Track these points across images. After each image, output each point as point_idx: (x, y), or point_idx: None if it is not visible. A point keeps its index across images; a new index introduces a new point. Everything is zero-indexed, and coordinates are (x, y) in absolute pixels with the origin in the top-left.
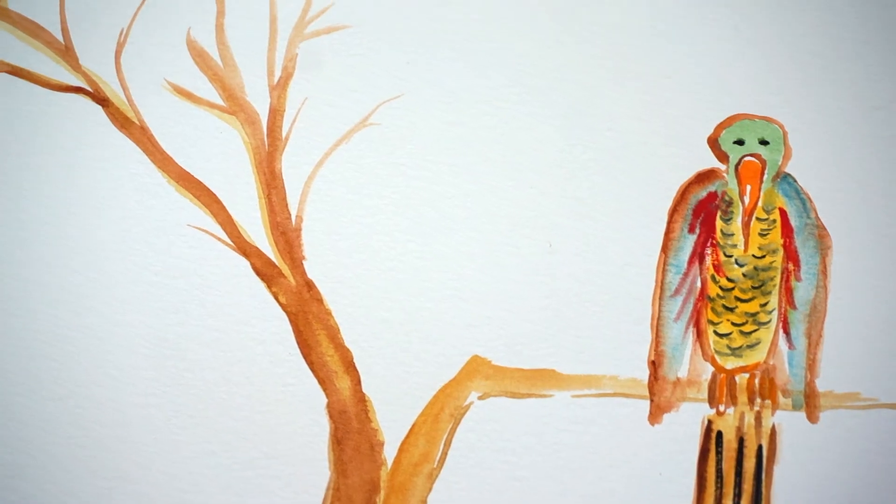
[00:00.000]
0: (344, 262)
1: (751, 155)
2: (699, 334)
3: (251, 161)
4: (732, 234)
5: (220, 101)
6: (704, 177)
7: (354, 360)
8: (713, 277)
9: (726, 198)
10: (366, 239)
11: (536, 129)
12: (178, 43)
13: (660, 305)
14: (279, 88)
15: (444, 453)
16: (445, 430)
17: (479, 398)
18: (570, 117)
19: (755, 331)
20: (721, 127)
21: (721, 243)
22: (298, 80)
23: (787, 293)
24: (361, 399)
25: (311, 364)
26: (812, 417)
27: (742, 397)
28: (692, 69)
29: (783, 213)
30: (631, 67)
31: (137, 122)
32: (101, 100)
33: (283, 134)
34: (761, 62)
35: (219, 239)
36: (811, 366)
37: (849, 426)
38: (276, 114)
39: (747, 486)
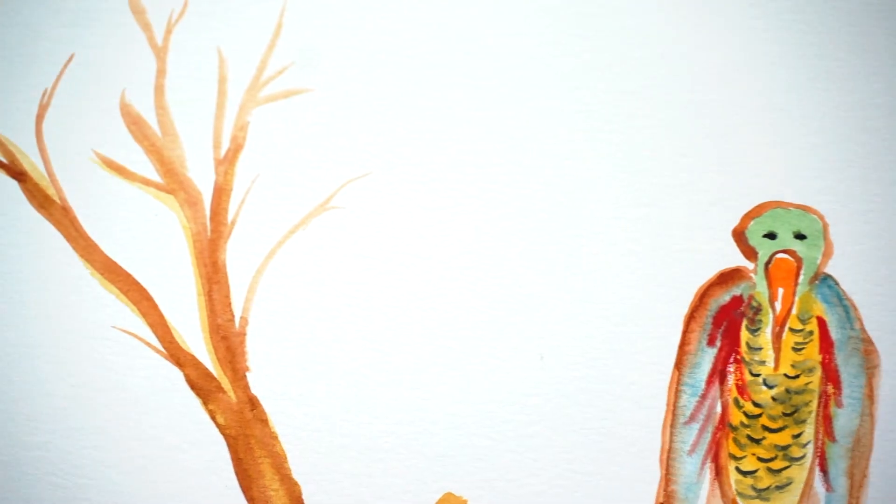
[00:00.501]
0: (295, 374)
1: (784, 251)
2: (718, 471)
3: (190, 250)
4: (760, 349)
5: (156, 178)
6: (728, 277)
7: (303, 497)
8: (736, 401)
9: (754, 303)
10: (322, 347)
11: (529, 216)
12: (110, 107)
13: (671, 435)
14: (226, 163)
15: None
16: None
17: None
18: (570, 202)
19: (786, 468)
20: (749, 217)
21: (747, 359)
22: (249, 154)
23: (826, 422)
24: None
25: (251, 500)
26: None
27: None
28: (715, 147)
29: (822, 323)
30: (641, 144)
31: (59, 202)
32: (18, 173)
33: (229, 218)
34: (799, 140)
35: (148, 344)
36: None
37: None
38: (221, 193)
39: None
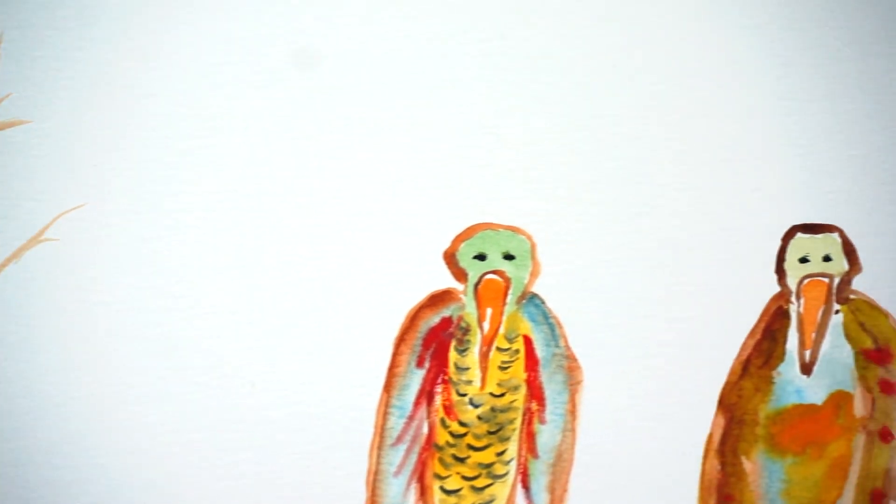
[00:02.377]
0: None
1: (493, 272)
2: (423, 491)
3: None
4: (468, 368)
5: None
6: (438, 299)
7: None
8: (443, 421)
9: (463, 324)
10: (29, 383)
11: (237, 244)
12: None
13: (378, 457)
14: None
15: None
16: None
17: None
18: (276, 228)
19: (489, 486)
20: (459, 239)
21: (454, 379)
22: None
23: (529, 439)
24: None
25: None
26: None
27: None
28: (426, 171)
29: (528, 341)
30: (353, 172)
31: None
32: None
33: None
34: (508, 162)
35: None
36: None
37: None
38: None
39: None
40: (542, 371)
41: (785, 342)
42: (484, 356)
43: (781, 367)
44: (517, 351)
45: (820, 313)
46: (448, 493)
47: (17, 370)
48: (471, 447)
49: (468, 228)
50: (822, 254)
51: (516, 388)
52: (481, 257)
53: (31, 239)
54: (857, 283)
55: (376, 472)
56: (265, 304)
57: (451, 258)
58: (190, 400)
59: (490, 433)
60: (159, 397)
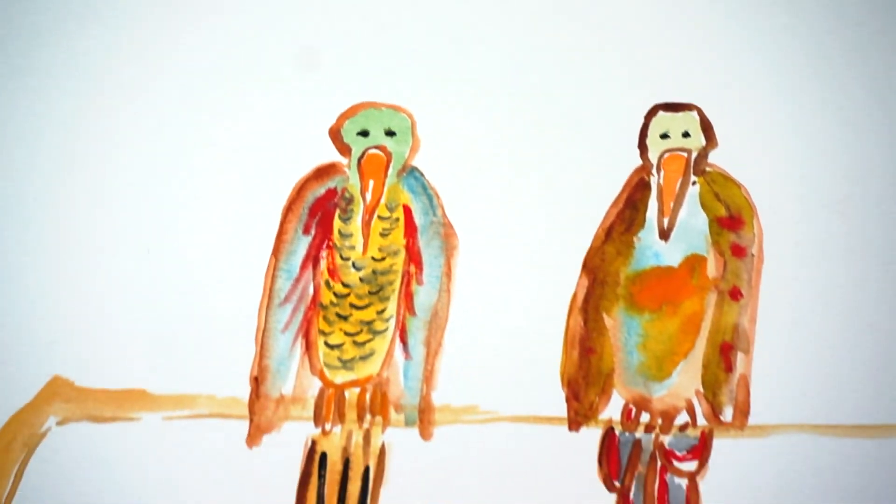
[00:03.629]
0: None
1: (375, 147)
2: (308, 346)
3: None
4: (351, 235)
5: None
6: (324, 172)
7: None
8: (327, 283)
9: (346, 195)
10: None
11: (148, 122)
12: None
13: (267, 315)
14: None
15: (14, 487)
16: (17, 461)
17: (58, 423)
18: (178, 115)
19: (369, 341)
20: (344, 117)
21: (338, 245)
22: None
23: (407, 298)
24: None
25: None
26: (425, 434)
27: (351, 414)
28: (309, 51)
29: (407, 210)
30: (244, 54)
31: None
32: None
33: None
34: (390, 47)
35: None
36: (428, 378)
37: (466, 442)
38: None
39: None
40: (420, 237)
41: (645, 210)
42: (366, 224)
43: (641, 233)
44: (397, 219)
45: (678, 184)
46: (331, 347)
47: None
48: (353, 306)
49: (352, 107)
50: (682, 130)
51: (396, 252)
52: (364, 133)
53: None
54: (714, 158)
55: (265, 330)
56: (160, 174)
57: (335, 134)
58: (85, 265)
59: (371, 293)
60: (52, 261)
